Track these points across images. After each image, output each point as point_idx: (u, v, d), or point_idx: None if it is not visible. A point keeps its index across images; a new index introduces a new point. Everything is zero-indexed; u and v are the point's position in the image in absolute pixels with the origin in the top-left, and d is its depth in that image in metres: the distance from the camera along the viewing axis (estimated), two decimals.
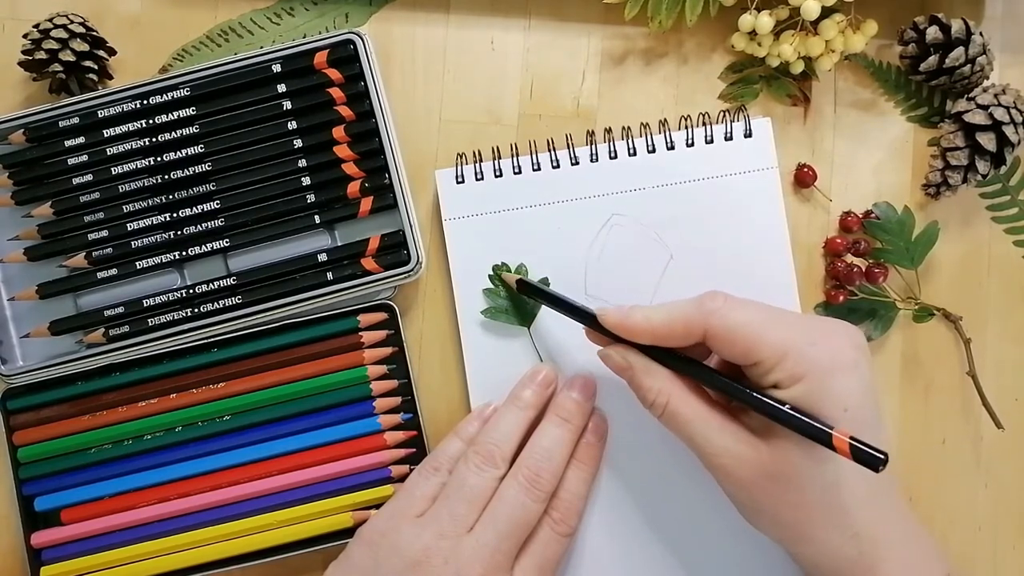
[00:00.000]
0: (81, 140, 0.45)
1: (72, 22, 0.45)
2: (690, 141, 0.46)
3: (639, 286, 0.46)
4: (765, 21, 0.45)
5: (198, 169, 0.46)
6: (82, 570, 0.45)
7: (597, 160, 0.46)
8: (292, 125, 0.45)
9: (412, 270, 0.44)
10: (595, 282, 0.46)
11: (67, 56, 0.45)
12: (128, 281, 0.46)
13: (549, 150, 0.47)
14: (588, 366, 0.45)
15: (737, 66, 0.48)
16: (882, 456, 0.33)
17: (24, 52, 0.45)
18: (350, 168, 0.45)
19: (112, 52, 0.47)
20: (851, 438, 0.33)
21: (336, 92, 0.45)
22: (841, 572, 0.37)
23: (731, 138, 0.46)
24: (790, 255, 0.46)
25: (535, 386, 0.44)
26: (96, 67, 0.46)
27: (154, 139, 0.45)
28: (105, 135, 0.45)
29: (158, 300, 0.45)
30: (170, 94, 0.45)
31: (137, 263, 0.46)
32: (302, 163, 0.45)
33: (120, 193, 0.46)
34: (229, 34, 0.48)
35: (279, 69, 0.45)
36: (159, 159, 0.45)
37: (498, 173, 0.46)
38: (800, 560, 0.39)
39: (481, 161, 0.47)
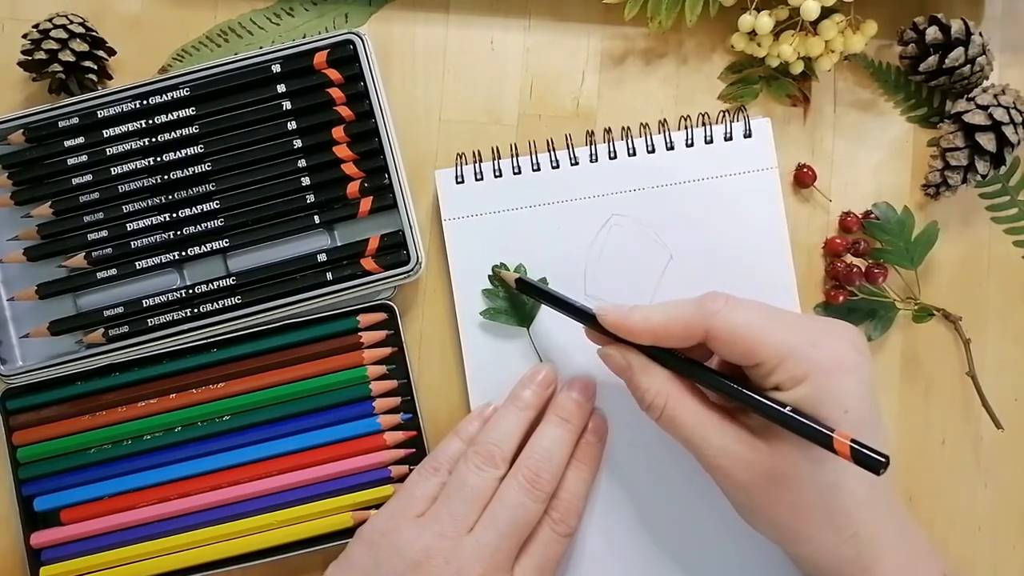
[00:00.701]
0: (81, 140, 0.45)
1: (72, 22, 0.45)
2: (690, 141, 0.46)
3: (639, 286, 0.46)
4: (765, 21, 0.45)
5: (198, 169, 0.46)
6: (82, 570, 0.45)
7: (597, 160, 0.46)
8: (292, 125, 0.45)
9: (412, 270, 0.44)
10: (595, 282, 0.46)
11: (67, 56, 0.45)
12: (128, 281, 0.46)
13: (549, 150, 0.47)
14: (588, 366, 0.45)
15: (737, 66, 0.48)
16: (883, 459, 0.33)
17: (24, 52, 0.45)
18: (350, 168, 0.45)
19: (112, 52, 0.47)
20: (852, 441, 0.33)
21: (336, 92, 0.45)
22: (839, 572, 0.37)
23: (731, 138, 0.46)
24: (790, 255, 0.46)
25: (535, 386, 0.44)
26: (96, 67, 0.46)
27: (154, 139, 0.45)
28: (105, 135, 0.45)
29: (158, 300, 0.45)
30: (170, 94, 0.45)
31: (137, 263, 0.46)
32: (302, 163, 0.45)
33: (120, 193, 0.46)
34: (229, 34, 0.48)
35: (279, 69, 0.45)
36: (159, 159, 0.45)
37: (498, 173, 0.46)
38: (798, 560, 0.39)
39: (481, 161, 0.47)
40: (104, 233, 0.46)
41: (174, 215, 0.45)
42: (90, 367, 0.45)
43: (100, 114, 0.45)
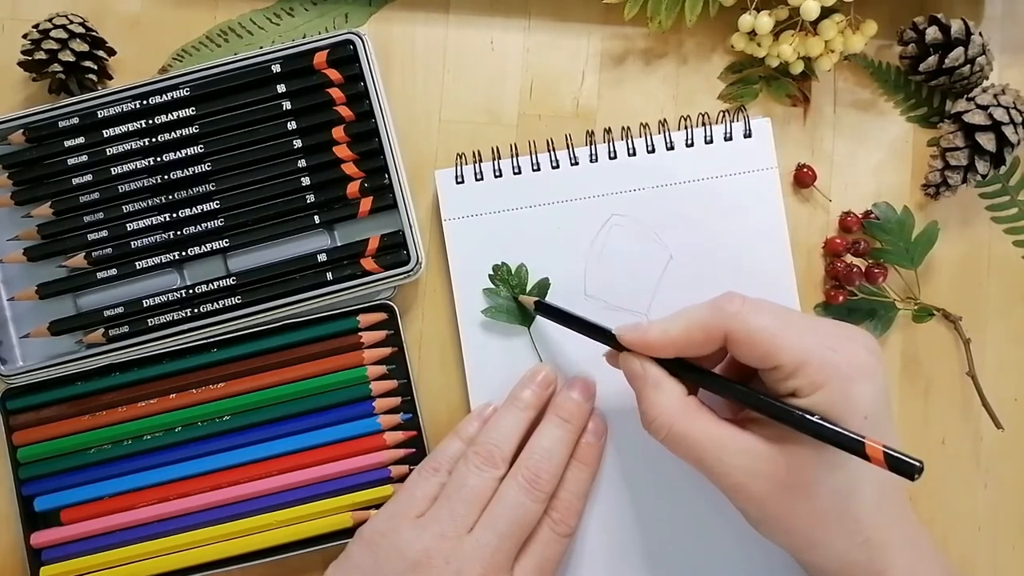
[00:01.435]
0: (81, 140, 0.45)
1: (72, 22, 0.45)
2: (690, 141, 0.46)
3: (639, 286, 0.46)
4: (765, 21, 0.45)
5: (198, 169, 0.46)
6: (82, 570, 0.45)
7: (597, 160, 0.46)
8: (292, 125, 0.45)
9: (412, 270, 0.44)
10: (595, 282, 0.46)
11: (67, 56, 0.45)
12: (128, 281, 0.46)
13: (549, 150, 0.47)
14: (588, 366, 0.45)
15: (737, 66, 0.48)
16: (918, 464, 0.32)
17: (24, 52, 0.45)
18: (350, 168, 0.45)
19: (112, 52, 0.47)
20: (884, 447, 0.33)
21: (336, 92, 0.45)
22: None
23: (731, 138, 0.46)
24: (790, 255, 0.46)
25: (535, 386, 0.43)
26: (96, 67, 0.46)
27: (154, 139, 0.45)
28: (105, 135, 0.45)
29: (158, 300, 0.45)
30: (170, 94, 0.45)
31: (137, 263, 0.46)
32: (302, 163, 0.46)
33: (120, 193, 0.46)
34: (229, 34, 0.48)
35: (279, 69, 0.45)
36: (159, 159, 0.45)
37: (498, 173, 0.46)
38: (808, 566, 0.39)
39: (481, 161, 0.47)
40: (104, 233, 0.46)
41: (174, 215, 0.46)
42: (90, 367, 0.45)
43: (100, 114, 0.45)
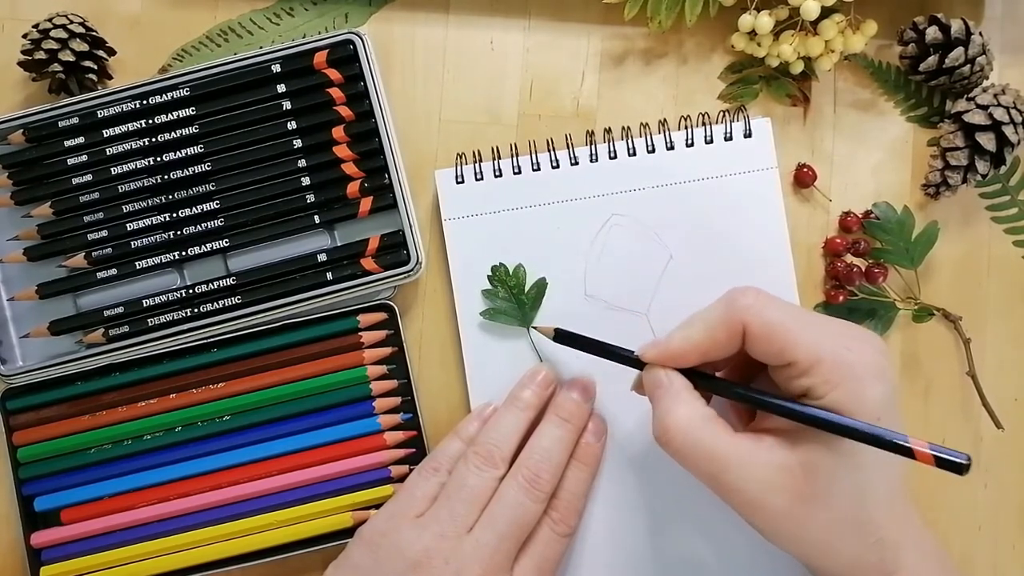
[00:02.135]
0: (81, 140, 0.45)
1: (72, 22, 0.45)
2: (690, 141, 0.46)
3: (639, 286, 0.46)
4: (765, 21, 0.45)
5: (198, 169, 0.46)
6: (82, 570, 0.45)
7: (597, 160, 0.46)
8: (292, 125, 0.45)
9: (412, 270, 0.44)
10: (595, 282, 0.46)
11: (67, 56, 0.45)
12: (128, 281, 0.46)
13: (549, 150, 0.47)
14: (588, 367, 0.45)
15: (737, 66, 0.48)
16: (966, 460, 0.33)
17: (24, 52, 0.45)
18: (350, 168, 0.45)
19: (112, 52, 0.47)
20: (930, 445, 0.33)
21: (336, 92, 0.45)
22: None
23: (731, 138, 0.46)
24: (790, 255, 0.46)
25: (535, 386, 0.43)
26: (96, 67, 0.46)
27: (154, 139, 0.45)
28: (105, 135, 0.45)
29: (158, 300, 0.45)
30: (170, 94, 0.45)
31: (137, 263, 0.46)
32: (302, 163, 0.46)
33: (120, 193, 0.46)
34: (229, 34, 0.48)
35: (279, 69, 0.45)
36: (159, 159, 0.45)
37: (498, 173, 0.46)
38: (818, 571, 0.38)
39: (481, 161, 0.47)
40: (104, 233, 0.46)
41: (174, 215, 0.46)
42: (90, 367, 0.45)
43: (100, 114, 0.45)
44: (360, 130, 0.45)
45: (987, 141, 0.44)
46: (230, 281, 0.45)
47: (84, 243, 0.46)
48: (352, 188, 0.45)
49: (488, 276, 0.46)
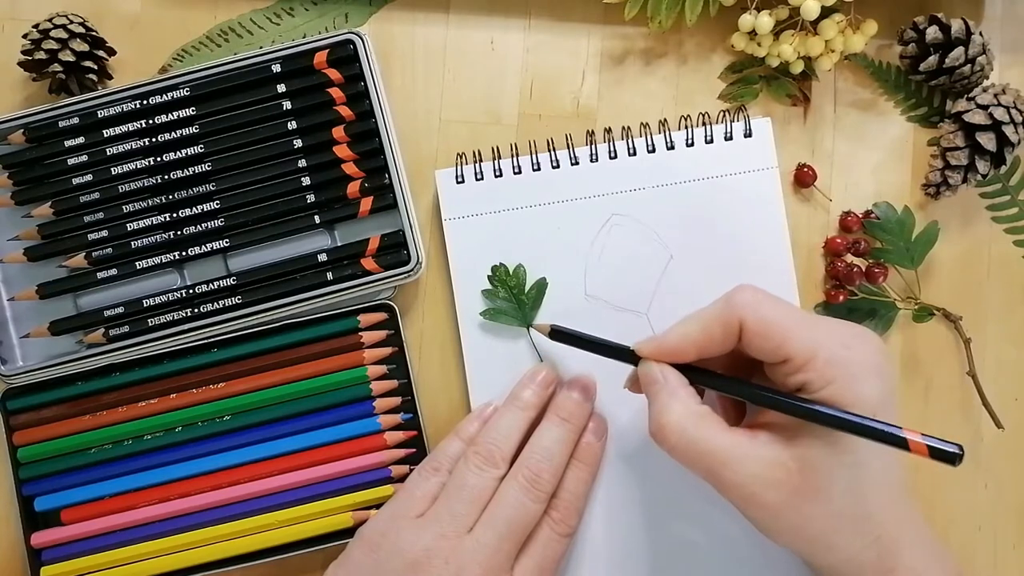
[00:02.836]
0: (81, 140, 0.45)
1: (72, 22, 0.45)
2: (690, 141, 0.46)
3: (639, 286, 0.46)
4: (765, 21, 0.45)
5: (198, 169, 0.46)
6: (82, 570, 0.45)
7: (597, 160, 0.46)
8: (292, 125, 0.45)
9: (412, 270, 0.44)
10: (595, 282, 0.46)
11: (67, 56, 0.45)
12: (128, 281, 0.46)
13: (549, 150, 0.47)
14: (588, 367, 0.45)
15: (737, 66, 0.48)
16: (959, 450, 0.33)
17: (24, 52, 0.45)
18: (350, 168, 0.45)
19: (112, 52, 0.47)
20: (923, 435, 0.33)
21: (336, 92, 0.45)
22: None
23: (731, 138, 0.46)
24: (790, 255, 0.46)
25: (535, 386, 0.43)
26: (96, 67, 0.46)
27: (154, 139, 0.45)
28: (105, 135, 0.45)
29: (158, 300, 0.45)
30: (170, 94, 0.45)
31: (137, 263, 0.46)
32: (302, 163, 0.46)
33: (120, 193, 0.46)
34: (229, 34, 0.48)
35: (279, 69, 0.45)
36: (159, 159, 0.45)
37: (498, 173, 0.46)
38: (817, 568, 0.39)
39: (481, 161, 0.47)
40: (104, 233, 0.46)
41: (174, 215, 0.46)
42: (90, 367, 0.45)
43: (100, 114, 0.45)
44: (360, 130, 0.45)
45: (987, 141, 0.44)
46: (230, 281, 0.45)
47: (84, 243, 0.46)
48: (352, 188, 0.45)
49: (488, 276, 0.46)
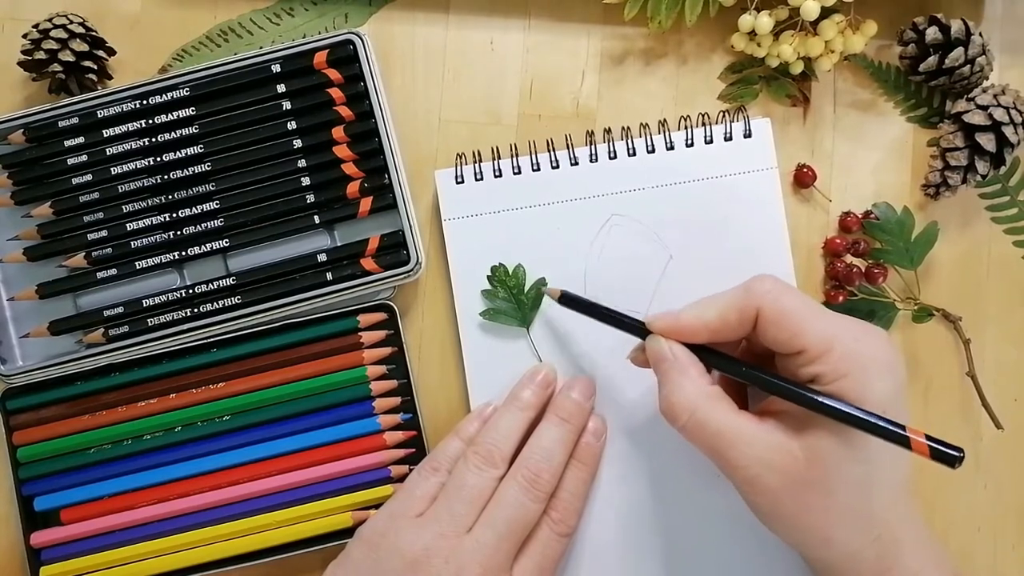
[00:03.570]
0: (81, 140, 0.45)
1: (72, 22, 0.45)
2: (689, 141, 0.46)
3: (639, 286, 0.46)
4: (765, 21, 0.45)
5: (198, 169, 0.46)
6: (82, 570, 0.45)
7: (597, 160, 0.46)
8: (292, 125, 0.45)
9: (412, 270, 0.44)
10: (595, 282, 0.46)
11: (67, 56, 0.45)
12: (128, 281, 0.46)
13: (549, 150, 0.47)
14: (588, 366, 0.45)
15: (737, 66, 0.48)
16: (960, 453, 0.33)
17: (24, 52, 0.45)
18: (350, 168, 0.45)
19: (112, 52, 0.47)
20: (926, 436, 0.33)
21: (336, 92, 0.45)
22: (857, 574, 0.37)
23: (731, 138, 0.46)
24: (790, 255, 0.46)
25: (534, 386, 0.43)
26: (96, 67, 0.46)
27: (154, 139, 0.45)
28: (105, 135, 0.45)
29: (158, 300, 0.45)
30: (170, 94, 0.45)
31: (137, 263, 0.46)
32: (302, 163, 0.46)
33: (120, 193, 0.46)
34: (229, 34, 0.48)
35: (279, 69, 0.45)
36: (159, 159, 0.46)
37: (498, 173, 0.46)
38: (815, 563, 0.39)
39: (481, 161, 0.47)
40: (104, 233, 0.46)
41: (174, 215, 0.46)
42: (90, 367, 0.45)
43: (100, 114, 0.45)
44: (360, 130, 0.45)
45: (987, 141, 0.44)
46: (230, 281, 0.45)
47: (84, 243, 0.46)
48: (352, 188, 0.45)
49: (488, 276, 0.46)
